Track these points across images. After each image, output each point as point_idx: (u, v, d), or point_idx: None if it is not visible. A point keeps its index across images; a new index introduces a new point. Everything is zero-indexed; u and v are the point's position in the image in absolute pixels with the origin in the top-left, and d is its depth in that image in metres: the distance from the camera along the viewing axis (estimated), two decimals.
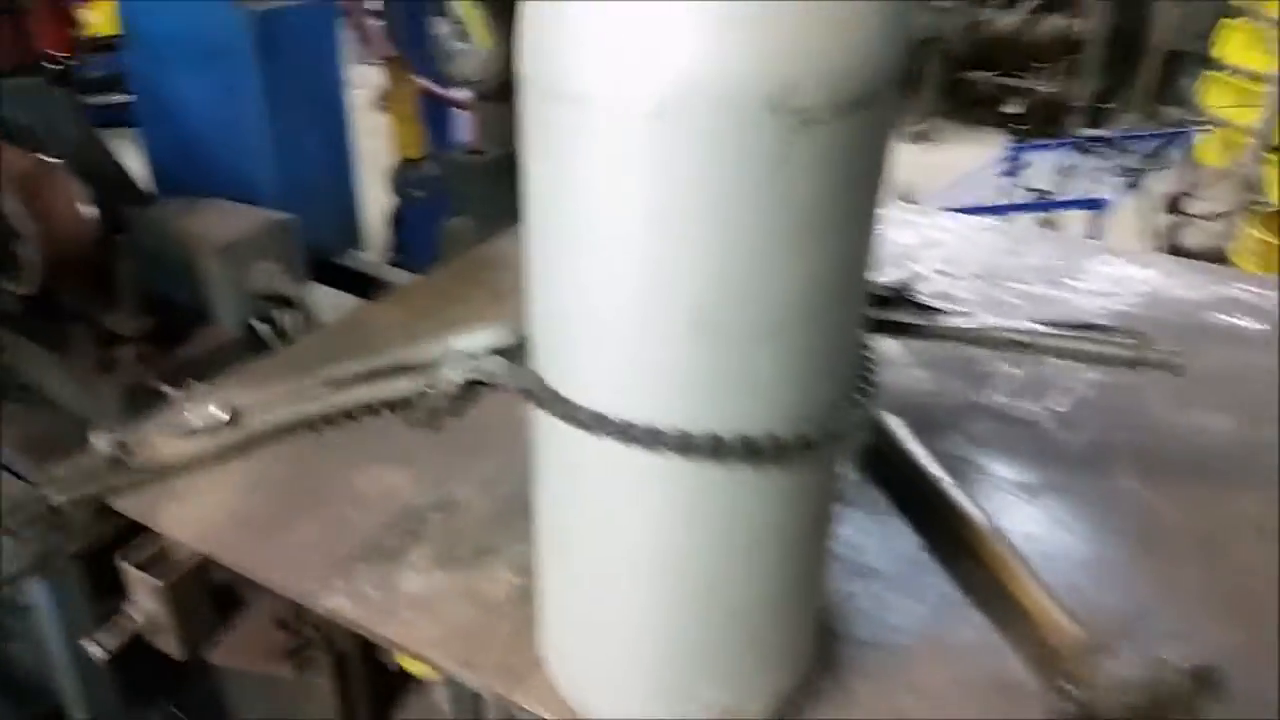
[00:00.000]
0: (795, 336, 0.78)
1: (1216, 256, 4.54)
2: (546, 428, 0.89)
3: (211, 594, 1.25)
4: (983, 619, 1.15)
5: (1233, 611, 1.16)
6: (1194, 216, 5.24)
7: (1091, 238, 3.85)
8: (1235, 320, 1.79)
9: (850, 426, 0.84)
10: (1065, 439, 1.47)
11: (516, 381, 0.88)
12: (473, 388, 0.94)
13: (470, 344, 0.95)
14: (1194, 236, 5.22)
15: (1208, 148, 5.12)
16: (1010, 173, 4.37)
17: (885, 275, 1.33)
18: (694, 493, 0.82)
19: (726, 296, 0.74)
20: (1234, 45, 4.95)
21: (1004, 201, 4.20)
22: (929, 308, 1.12)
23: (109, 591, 1.29)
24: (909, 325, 1.10)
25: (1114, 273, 1.94)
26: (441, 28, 2.43)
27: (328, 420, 0.95)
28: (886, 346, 1.69)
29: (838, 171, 0.72)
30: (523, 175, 0.82)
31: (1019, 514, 1.32)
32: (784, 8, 0.66)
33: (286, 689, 1.49)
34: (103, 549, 1.28)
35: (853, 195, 0.75)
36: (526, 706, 1.05)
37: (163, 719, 2.34)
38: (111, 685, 2.10)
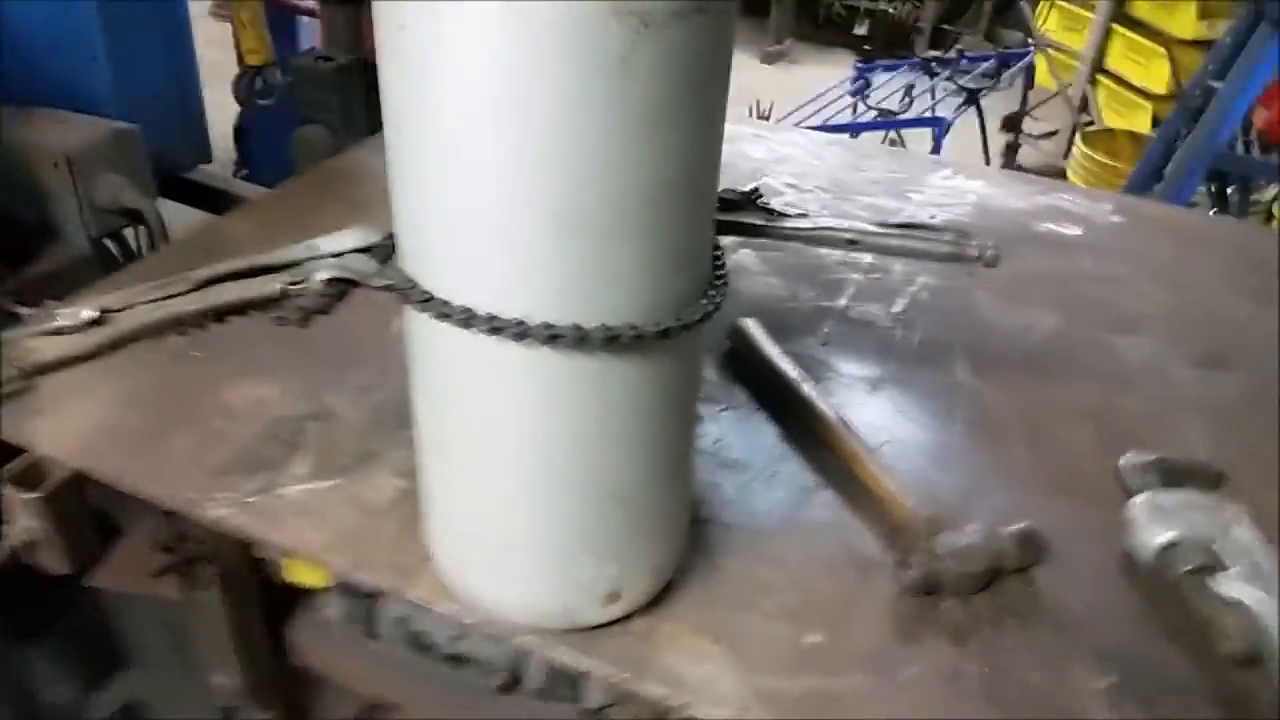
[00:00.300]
0: (650, 231, 0.83)
1: (1053, 174, 4.84)
2: (419, 327, 0.92)
3: (91, 513, 1.23)
4: (837, 502, 1.26)
5: (1058, 486, 1.30)
6: (1031, 136, 5.56)
7: (933, 154, 4.04)
8: (1058, 227, 1.94)
9: (702, 316, 0.91)
10: (904, 337, 1.58)
11: (385, 279, 0.91)
12: (339, 287, 0.95)
13: (336, 244, 0.96)
14: (1031, 156, 5.54)
15: (1043, 70, 5.42)
16: (858, 92, 4.52)
17: (737, 185, 1.39)
18: (561, 382, 0.87)
19: (583, 192, 0.79)
20: None
21: (851, 120, 4.36)
22: (773, 211, 1.19)
23: None
24: (755, 226, 1.17)
25: (948, 184, 2.07)
26: None
27: (197, 321, 0.95)
28: (744, 257, 1.78)
29: (679, 73, 0.76)
30: (380, 77, 0.83)
31: (865, 406, 1.43)
32: None
33: (174, 610, 1.48)
34: None
35: (694, 96, 0.80)
36: (416, 598, 1.09)
37: (49, 655, 2.28)
38: None
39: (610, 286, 0.84)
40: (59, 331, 0.92)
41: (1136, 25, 4.87)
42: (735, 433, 1.37)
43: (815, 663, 1.04)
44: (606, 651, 1.04)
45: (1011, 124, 5.33)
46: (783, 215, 1.19)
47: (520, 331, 0.83)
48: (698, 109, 0.81)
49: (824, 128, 4.11)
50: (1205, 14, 4.62)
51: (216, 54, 3.46)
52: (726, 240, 1.82)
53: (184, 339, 1.42)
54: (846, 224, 1.20)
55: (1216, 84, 3.35)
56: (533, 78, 0.73)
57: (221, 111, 3.43)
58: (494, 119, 0.76)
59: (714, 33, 0.78)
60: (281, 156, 2.60)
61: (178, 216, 2.62)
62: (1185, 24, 4.63)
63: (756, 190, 1.20)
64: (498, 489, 0.96)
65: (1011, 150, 5.28)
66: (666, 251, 0.86)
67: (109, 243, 2.26)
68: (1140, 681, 1.04)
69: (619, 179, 0.79)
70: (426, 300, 0.86)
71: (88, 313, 0.92)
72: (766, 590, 1.13)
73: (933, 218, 1.93)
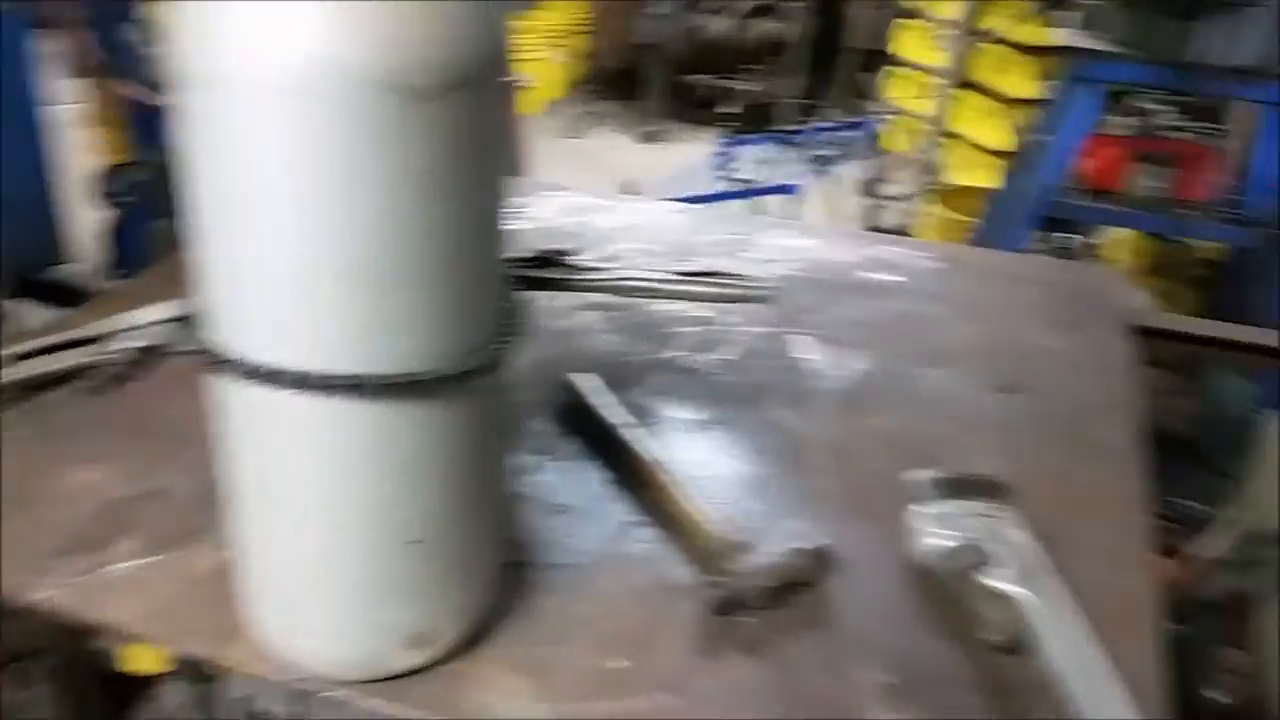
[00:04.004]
0: (432, 285, 0.90)
1: (910, 233, 5.08)
2: (223, 390, 0.98)
3: None
4: (654, 536, 1.33)
5: (856, 506, 1.39)
6: (886, 199, 5.84)
7: (790, 219, 4.24)
8: (880, 275, 2.08)
9: (485, 364, 0.98)
10: (730, 383, 1.68)
11: (191, 345, 0.97)
12: (149, 355, 1.01)
13: (149, 316, 1.02)
14: (891, 217, 5.81)
15: (893, 136, 5.72)
16: (721, 166, 4.73)
17: (554, 245, 1.48)
18: (347, 430, 0.93)
19: (364, 250, 0.86)
20: (908, 42, 5.57)
21: (715, 191, 4.55)
22: (575, 266, 1.29)
23: None
24: (556, 280, 1.27)
25: (781, 243, 2.20)
26: (136, 34, 2.41)
27: (12, 395, 1.00)
28: (588, 319, 1.87)
29: (449, 140, 0.85)
30: (182, 150, 0.90)
31: (688, 446, 1.51)
32: (393, 4, 0.79)
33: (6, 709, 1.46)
34: None
35: (466, 161, 0.88)
36: (231, 664, 1.12)
37: None
38: None
39: (394, 335, 0.91)
40: None
41: (977, 89, 5.20)
42: (563, 480, 1.44)
43: (617, 686, 1.10)
44: (416, 697, 1.08)
45: (868, 189, 5.60)
46: (584, 270, 1.28)
47: (298, 380, 0.89)
48: (470, 173, 0.90)
49: (690, 200, 4.27)
50: (1039, 74, 4.96)
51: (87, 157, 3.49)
52: (572, 302, 1.93)
53: (22, 429, 1.45)
54: (641, 274, 1.30)
55: (1044, 138, 3.62)
56: (314, 147, 0.82)
57: (91, 212, 3.45)
58: (281, 187, 0.84)
59: (483, 105, 0.87)
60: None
61: (37, 315, 2.63)
62: (1020, 84, 4.97)
63: (565, 250, 1.29)
64: (295, 540, 1.01)
65: (871, 214, 5.54)
66: (448, 302, 0.93)
67: None
68: (915, 677, 1.13)
69: (397, 237, 0.87)
70: (231, 361, 0.92)
71: None
72: (581, 624, 1.19)
73: (768, 275, 2.05)
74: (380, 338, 0.91)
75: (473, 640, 1.14)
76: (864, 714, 1.08)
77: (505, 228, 1.01)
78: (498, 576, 1.19)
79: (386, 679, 1.08)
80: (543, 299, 1.88)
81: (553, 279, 1.25)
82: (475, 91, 0.86)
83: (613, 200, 2.50)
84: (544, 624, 1.18)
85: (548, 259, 1.27)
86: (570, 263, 1.26)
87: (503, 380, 1.07)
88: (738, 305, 1.44)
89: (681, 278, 1.30)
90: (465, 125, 0.87)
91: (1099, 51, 3.47)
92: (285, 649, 1.09)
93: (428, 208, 0.87)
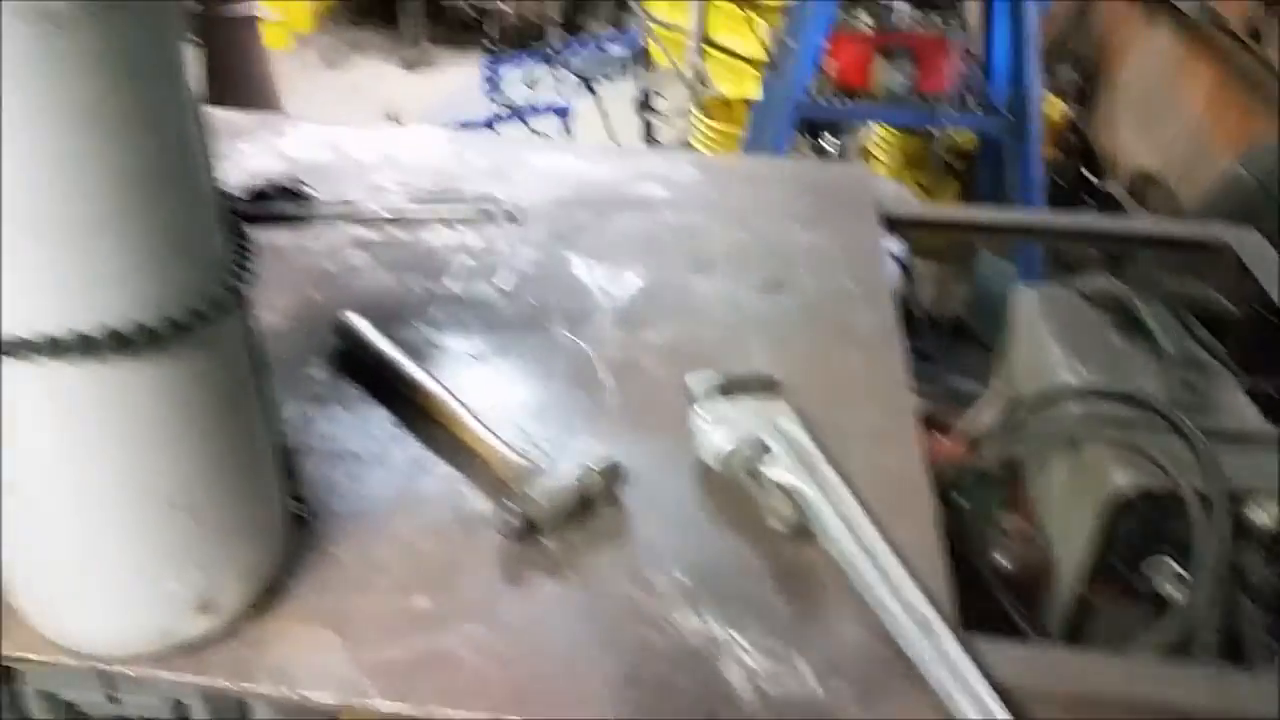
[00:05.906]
0: (129, 228, 0.84)
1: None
2: None
3: None
4: (447, 471, 1.33)
5: (643, 417, 1.44)
6: (660, 114, 5.90)
7: (565, 140, 4.22)
8: (644, 189, 2.11)
9: (214, 312, 0.92)
10: (509, 310, 1.68)
11: None
12: None
13: None
14: (667, 133, 5.88)
15: (660, 50, 5.76)
16: (490, 89, 4.63)
17: (316, 184, 1.41)
18: (82, 394, 0.87)
19: (43, 195, 0.79)
20: None
21: (485, 116, 4.46)
22: (306, 197, 1.24)
23: None
24: (288, 215, 1.22)
25: (547, 164, 2.18)
26: None
27: None
28: (353, 257, 1.81)
29: (113, 68, 0.78)
30: None
31: (472, 377, 1.51)
32: None
33: None
34: None
35: (140, 90, 0.81)
36: (16, 655, 1.05)
37: None
38: None
39: (101, 286, 0.84)
40: None
41: None
42: (346, 425, 1.40)
43: (424, 625, 1.10)
44: (217, 663, 1.05)
45: (643, 105, 5.63)
46: (317, 202, 1.23)
47: (22, 349, 0.82)
48: (146, 102, 0.83)
49: (463, 126, 4.18)
50: None
51: None
52: (335, 241, 1.85)
53: None
54: (380, 203, 1.26)
55: (792, 42, 3.73)
56: None
57: None
58: None
59: (143, 26, 0.80)
60: None
61: None
62: None
63: (297, 180, 1.24)
64: (54, 519, 0.94)
65: (648, 130, 5.59)
66: (154, 245, 0.86)
67: None
68: (712, 575, 1.19)
69: (76, 177, 0.80)
70: None
71: None
72: (379, 568, 1.18)
73: (538, 198, 2.04)
74: (83, 290, 0.84)
75: (268, 599, 1.11)
76: (670, 617, 1.13)
77: (208, 162, 0.94)
78: (283, 531, 1.15)
79: (184, 650, 1.05)
80: (288, 238, 1.81)
81: (280, 214, 1.19)
82: (131, 14, 0.78)
83: (370, 131, 2.40)
84: (340, 573, 1.17)
85: (272, 193, 1.21)
86: (298, 194, 1.21)
87: (241, 326, 1.03)
88: (492, 227, 1.42)
89: (418, 204, 1.27)
90: (126, 51, 0.79)
91: None
92: (68, 632, 1.03)
93: (103, 145, 0.80)
